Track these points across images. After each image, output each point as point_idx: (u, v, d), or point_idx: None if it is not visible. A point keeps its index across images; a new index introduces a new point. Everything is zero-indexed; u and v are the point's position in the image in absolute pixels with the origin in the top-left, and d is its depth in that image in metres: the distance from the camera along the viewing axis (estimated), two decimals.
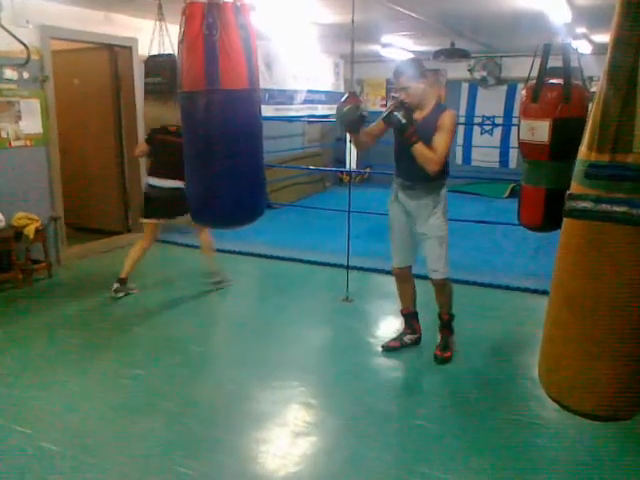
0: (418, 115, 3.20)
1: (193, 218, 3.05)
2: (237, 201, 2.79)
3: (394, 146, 3.33)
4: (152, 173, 4.54)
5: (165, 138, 4.42)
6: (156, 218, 4.52)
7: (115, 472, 2.46)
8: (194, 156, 2.77)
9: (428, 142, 3.08)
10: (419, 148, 3.06)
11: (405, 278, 3.58)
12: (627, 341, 1.64)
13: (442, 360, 3.47)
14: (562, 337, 1.78)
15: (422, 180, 3.21)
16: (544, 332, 1.91)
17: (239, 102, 2.68)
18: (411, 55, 8.82)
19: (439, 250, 3.30)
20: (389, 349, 3.63)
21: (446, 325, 3.57)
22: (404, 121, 3.04)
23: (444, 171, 3.24)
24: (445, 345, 3.54)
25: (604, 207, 1.58)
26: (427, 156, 3.06)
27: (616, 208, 1.56)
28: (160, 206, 4.45)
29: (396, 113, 3.06)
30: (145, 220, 4.57)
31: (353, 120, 3.06)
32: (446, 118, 3.12)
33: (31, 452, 2.57)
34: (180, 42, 2.62)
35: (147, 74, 4.58)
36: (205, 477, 2.43)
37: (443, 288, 3.43)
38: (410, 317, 3.69)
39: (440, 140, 3.09)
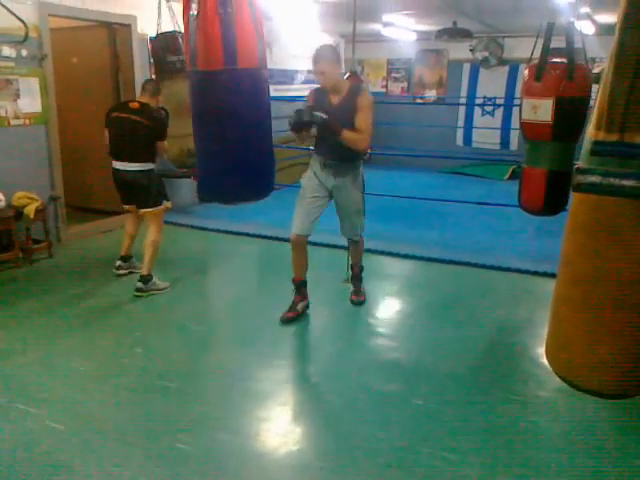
0: (335, 98, 3.48)
1: (201, 194, 3.20)
2: (247, 175, 2.91)
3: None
4: (116, 156, 4.17)
5: (128, 117, 4.07)
6: (127, 204, 4.32)
7: (118, 450, 2.48)
8: (206, 134, 2.89)
9: (348, 123, 3.36)
10: (346, 135, 3.34)
11: (302, 247, 3.71)
12: (634, 320, 1.65)
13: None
14: (570, 316, 1.79)
15: (344, 159, 3.54)
16: (552, 311, 1.92)
17: (253, 81, 2.81)
18: (414, 35, 8.75)
19: (358, 219, 3.76)
20: (287, 320, 3.72)
21: (356, 276, 4.12)
22: (324, 117, 3.26)
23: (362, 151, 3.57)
24: (358, 290, 4.10)
25: (612, 181, 1.58)
26: (356, 139, 3.38)
27: (625, 182, 1.56)
28: (129, 191, 4.21)
29: (315, 114, 3.25)
30: (126, 207, 4.35)
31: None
32: (364, 99, 3.43)
33: (37, 430, 2.59)
34: (192, 19, 2.66)
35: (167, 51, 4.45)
36: (206, 454, 2.45)
37: (357, 245, 3.98)
38: (302, 285, 3.82)
39: (364, 119, 3.39)
